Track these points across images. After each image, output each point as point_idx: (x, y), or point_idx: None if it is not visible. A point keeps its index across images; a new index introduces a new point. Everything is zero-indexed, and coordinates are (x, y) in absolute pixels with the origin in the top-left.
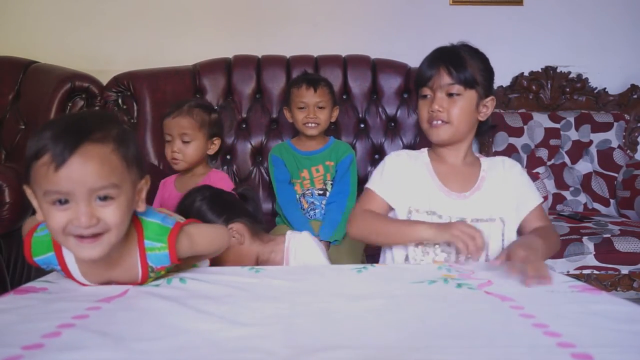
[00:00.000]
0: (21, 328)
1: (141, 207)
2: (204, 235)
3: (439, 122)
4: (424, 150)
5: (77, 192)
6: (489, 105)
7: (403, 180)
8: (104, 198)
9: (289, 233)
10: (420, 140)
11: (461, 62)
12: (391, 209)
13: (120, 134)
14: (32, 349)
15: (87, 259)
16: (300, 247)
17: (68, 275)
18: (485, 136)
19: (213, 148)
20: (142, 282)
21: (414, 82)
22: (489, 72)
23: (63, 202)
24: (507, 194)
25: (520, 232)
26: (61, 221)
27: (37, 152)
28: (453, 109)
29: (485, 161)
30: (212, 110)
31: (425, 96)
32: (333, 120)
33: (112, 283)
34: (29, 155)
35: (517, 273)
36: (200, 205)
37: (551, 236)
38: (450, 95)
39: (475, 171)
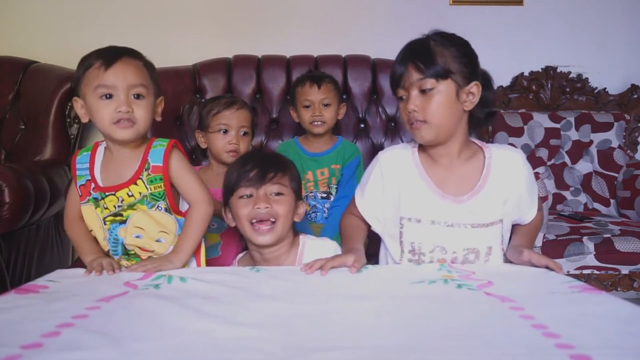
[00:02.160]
0: (21, 327)
1: (158, 117)
2: (192, 173)
3: (417, 122)
4: (416, 146)
5: (119, 86)
6: (474, 92)
7: (389, 188)
8: (137, 96)
9: (302, 237)
10: None
11: (429, 54)
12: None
13: (147, 60)
14: (31, 348)
15: (120, 139)
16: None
17: (91, 169)
18: (483, 125)
19: (249, 146)
20: (133, 180)
21: (390, 85)
22: (468, 57)
23: (108, 96)
24: (509, 195)
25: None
26: (108, 111)
27: (89, 65)
28: (429, 106)
29: (490, 152)
30: None
31: (401, 98)
32: (340, 117)
33: (114, 183)
34: (80, 71)
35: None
36: (283, 156)
37: (537, 229)
38: (423, 91)
39: (477, 168)
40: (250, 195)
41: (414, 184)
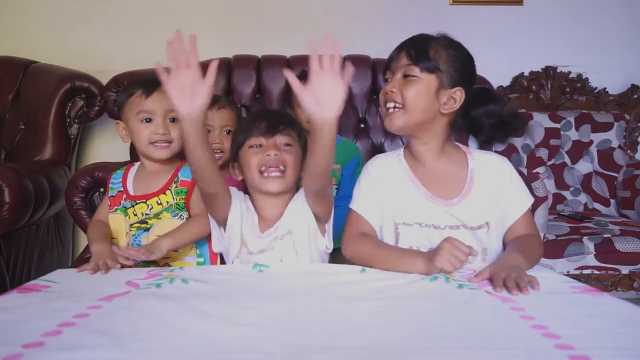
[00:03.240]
0: (22, 326)
1: None
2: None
3: (393, 105)
4: (400, 153)
5: (158, 111)
6: (456, 98)
7: (383, 193)
8: (173, 120)
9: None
10: None
11: (424, 46)
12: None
13: None
14: (32, 347)
15: (158, 158)
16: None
17: (123, 182)
18: (459, 134)
19: None
20: (163, 190)
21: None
22: (461, 64)
23: (148, 120)
24: (495, 198)
25: (504, 238)
26: (147, 133)
27: (131, 93)
28: (407, 90)
29: (472, 158)
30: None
31: (387, 80)
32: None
33: (144, 194)
34: (123, 98)
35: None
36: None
37: (533, 248)
38: (406, 76)
39: (462, 171)
40: (261, 145)
41: (404, 188)
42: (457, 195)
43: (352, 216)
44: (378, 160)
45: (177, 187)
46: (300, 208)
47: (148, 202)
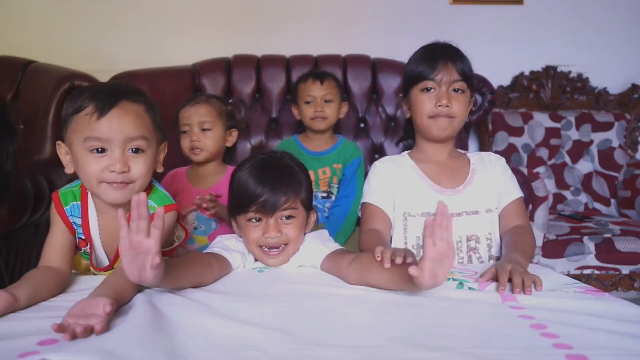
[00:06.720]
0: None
1: (160, 168)
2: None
3: (444, 117)
4: (405, 155)
5: (115, 140)
6: (471, 104)
7: (393, 187)
8: (136, 151)
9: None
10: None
11: (465, 60)
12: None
13: (149, 101)
14: (48, 344)
15: (113, 202)
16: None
17: (85, 227)
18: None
19: (231, 140)
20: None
21: (409, 77)
22: (472, 73)
23: (100, 151)
24: (494, 186)
25: (499, 225)
26: (98, 168)
27: (79, 108)
28: (458, 105)
29: (472, 156)
30: (227, 103)
31: (428, 89)
32: (342, 116)
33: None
34: (68, 112)
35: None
36: (294, 166)
37: (528, 244)
38: (455, 90)
39: (464, 165)
40: (260, 220)
41: (413, 182)
42: (462, 183)
43: (366, 210)
44: (385, 159)
45: None
46: (304, 258)
47: (116, 265)
